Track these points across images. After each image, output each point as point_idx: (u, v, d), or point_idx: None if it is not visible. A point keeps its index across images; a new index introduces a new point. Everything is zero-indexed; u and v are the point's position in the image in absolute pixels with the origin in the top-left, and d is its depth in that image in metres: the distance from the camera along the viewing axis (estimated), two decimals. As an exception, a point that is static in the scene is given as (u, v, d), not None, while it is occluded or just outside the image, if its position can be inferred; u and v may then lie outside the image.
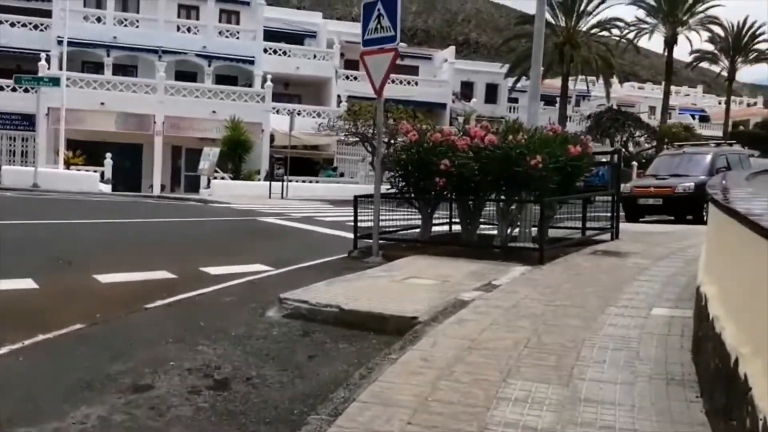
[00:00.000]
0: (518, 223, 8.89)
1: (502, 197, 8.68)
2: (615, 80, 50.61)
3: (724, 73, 51.91)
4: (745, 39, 49.94)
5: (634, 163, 39.01)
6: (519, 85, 47.13)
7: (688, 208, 14.36)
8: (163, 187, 29.43)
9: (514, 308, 5.43)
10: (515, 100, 49.03)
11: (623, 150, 40.97)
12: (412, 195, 8.99)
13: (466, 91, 45.24)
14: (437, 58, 45.11)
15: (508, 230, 8.70)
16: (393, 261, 7.91)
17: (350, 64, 38.47)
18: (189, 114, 29.19)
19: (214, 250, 9.70)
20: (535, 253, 7.87)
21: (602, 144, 42.35)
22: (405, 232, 9.54)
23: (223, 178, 26.95)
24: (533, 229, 8.76)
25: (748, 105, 67.53)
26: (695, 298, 4.50)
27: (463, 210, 8.97)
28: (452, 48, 46.73)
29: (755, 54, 50.04)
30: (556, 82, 41.27)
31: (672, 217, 15.10)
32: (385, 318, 5.11)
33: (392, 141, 20.18)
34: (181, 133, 29.56)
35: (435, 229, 9.44)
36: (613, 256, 8.37)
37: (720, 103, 62.59)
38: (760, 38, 49.78)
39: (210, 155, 26.45)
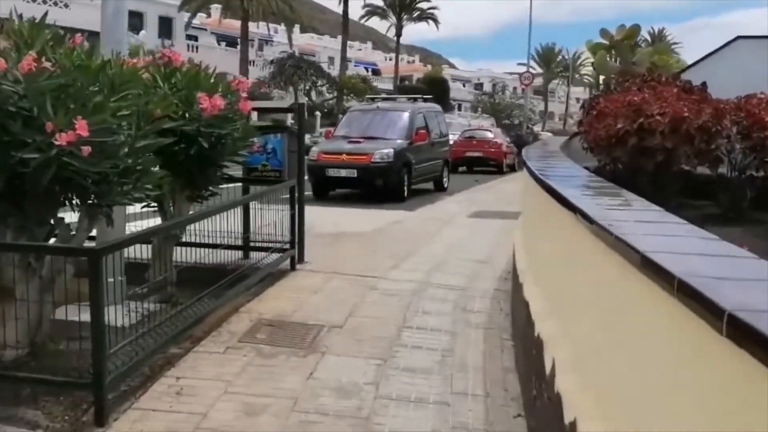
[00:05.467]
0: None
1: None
2: (297, 29, 46.79)
3: (391, 32, 51.78)
4: (410, -2, 50.21)
5: (317, 113, 35.65)
6: (199, 22, 40.30)
7: (386, 182, 10.36)
8: None
9: None
10: (194, 38, 41.81)
11: (307, 101, 36.91)
12: None
13: (136, 21, 36.40)
14: (94, -22, 35.20)
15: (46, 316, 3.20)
16: None
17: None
18: None
19: None
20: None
21: (286, 92, 38.09)
22: None
23: None
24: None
25: (408, 62, 70.58)
26: None
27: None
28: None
29: (418, 12, 50.64)
30: (239, 24, 35.49)
31: (358, 190, 11.04)
32: None
33: None
34: None
35: None
36: (295, 362, 3.45)
37: (386, 59, 63.88)
38: (422, -2, 50.57)
39: None
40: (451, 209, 9.35)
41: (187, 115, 4.05)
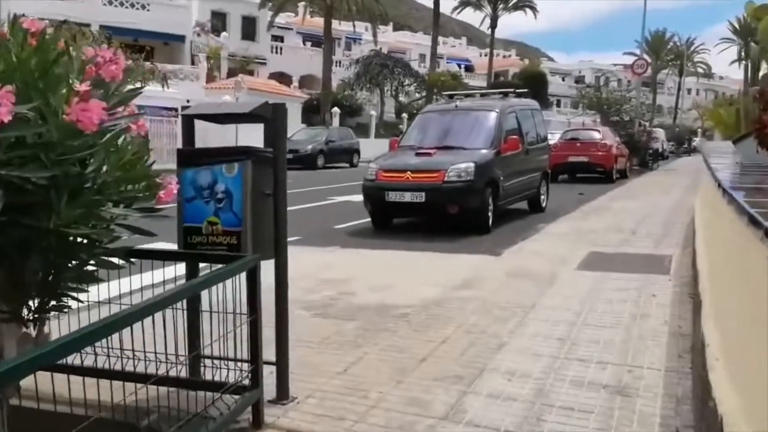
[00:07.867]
0: None
1: None
2: (389, 28, 44.86)
3: (486, 24, 48.50)
4: (506, -15, 46.80)
5: (405, 115, 33.35)
6: (284, 21, 39.17)
7: (463, 209, 7.73)
8: None
9: None
10: (280, 39, 40.71)
11: (395, 103, 32.50)
12: None
13: (217, 23, 35.62)
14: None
15: None
16: None
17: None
18: None
19: None
20: None
21: (371, 93, 36.03)
22: None
23: None
24: None
25: (504, 57, 67.00)
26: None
27: None
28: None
29: (515, 0, 47.04)
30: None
31: (419, 217, 8.51)
32: None
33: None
34: None
35: None
36: None
37: (481, 55, 60.96)
38: (520, -16, 47.00)
39: None
40: (553, 251, 6.57)
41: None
